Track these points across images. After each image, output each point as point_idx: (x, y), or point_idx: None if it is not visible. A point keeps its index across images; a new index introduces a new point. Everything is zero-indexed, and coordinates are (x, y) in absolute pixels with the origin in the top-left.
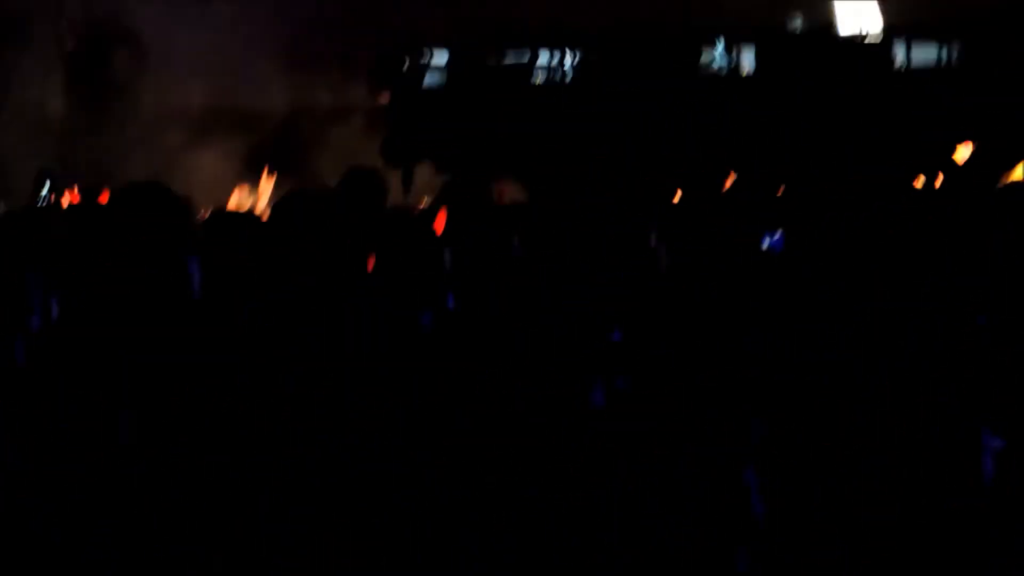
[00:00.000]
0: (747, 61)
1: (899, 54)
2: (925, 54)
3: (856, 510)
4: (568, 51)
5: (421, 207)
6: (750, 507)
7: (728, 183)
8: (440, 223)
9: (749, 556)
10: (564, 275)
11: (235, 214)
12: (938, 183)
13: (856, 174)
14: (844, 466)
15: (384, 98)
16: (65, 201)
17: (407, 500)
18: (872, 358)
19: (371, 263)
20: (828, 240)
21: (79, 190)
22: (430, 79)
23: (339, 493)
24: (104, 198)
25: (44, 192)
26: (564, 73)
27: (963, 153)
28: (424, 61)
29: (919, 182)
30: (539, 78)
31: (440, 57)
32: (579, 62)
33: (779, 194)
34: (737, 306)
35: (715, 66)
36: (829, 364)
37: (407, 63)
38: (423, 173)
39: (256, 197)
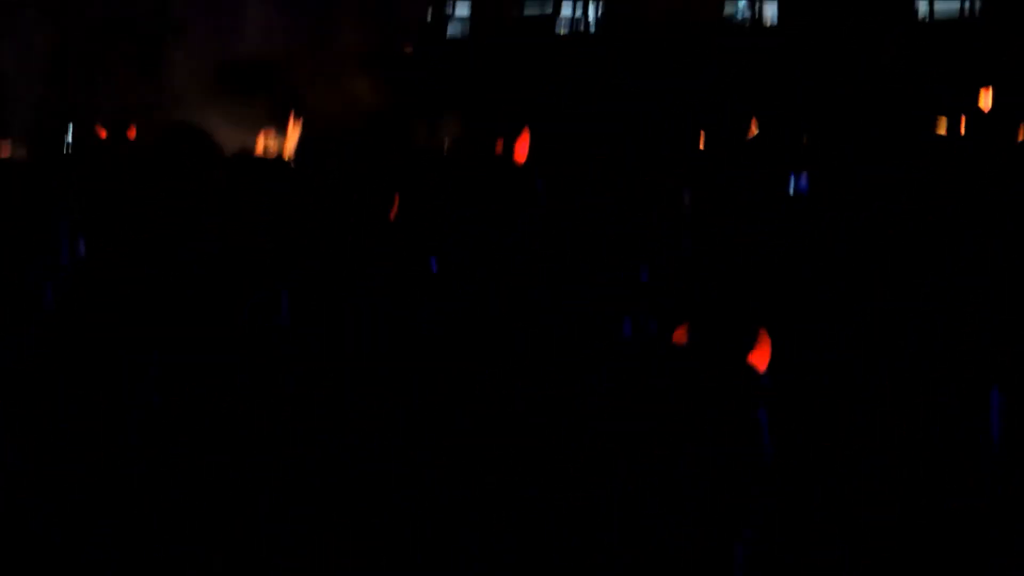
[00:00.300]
0: (769, 14)
1: (922, 6)
2: (948, 5)
3: (856, 510)
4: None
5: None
6: (750, 507)
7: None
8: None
9: (749, 556)
10: (564, 275)
11: (260, 159)
12: (962, 130)
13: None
14: (844, 466)
15: (408, 47)
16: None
17: (407, 500)
18: (872, 358)
19: (395, 203)
20: (828, 240)
21: (106, 127)
22: (452, 29)
23: (339, 493)
24: (132, 134)
25: (68, 135)
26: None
27: (986, 101)
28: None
29: (942, 128)
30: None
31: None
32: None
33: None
34: (738, 306)
35: (738, 17)
36: (829, 364)
37: (430, 13)
38: (446, 120)
39: (283, 141)
